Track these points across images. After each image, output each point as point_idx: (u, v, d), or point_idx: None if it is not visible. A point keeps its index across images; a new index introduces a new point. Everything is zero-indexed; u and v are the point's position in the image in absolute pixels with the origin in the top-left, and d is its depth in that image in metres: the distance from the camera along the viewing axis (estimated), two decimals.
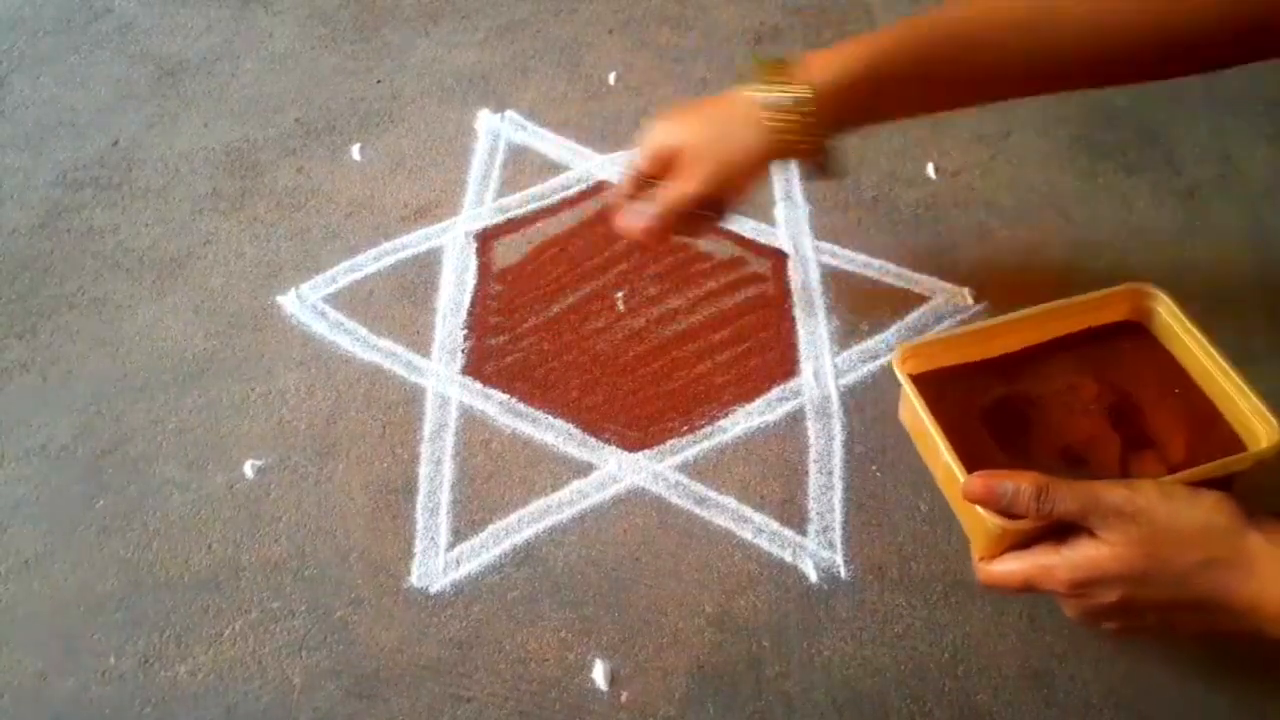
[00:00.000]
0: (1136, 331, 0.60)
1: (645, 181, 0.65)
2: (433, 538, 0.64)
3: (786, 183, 0.86)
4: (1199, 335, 0.56)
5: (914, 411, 0.55)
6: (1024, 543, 0.49)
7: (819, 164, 0.61)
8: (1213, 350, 0.55)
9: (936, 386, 0.56)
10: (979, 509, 0.49)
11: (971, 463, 0.50)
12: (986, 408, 0.56)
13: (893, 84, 0.57)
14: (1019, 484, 0.47)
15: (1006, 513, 0.48)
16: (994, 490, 0.47)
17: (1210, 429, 0.54)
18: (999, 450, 0.54)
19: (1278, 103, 0.90)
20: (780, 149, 0.60)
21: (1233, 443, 0.54)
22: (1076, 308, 0.59)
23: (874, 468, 0.67)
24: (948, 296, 0.76)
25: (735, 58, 0.99)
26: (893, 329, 0.75)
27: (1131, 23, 0.54)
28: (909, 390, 0.55)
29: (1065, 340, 0.59)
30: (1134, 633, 0.51)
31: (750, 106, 0.59)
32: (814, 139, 0.59)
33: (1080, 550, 0.47)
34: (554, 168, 0.88)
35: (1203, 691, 0.56)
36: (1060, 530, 0.48)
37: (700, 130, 0.62)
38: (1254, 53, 0.55)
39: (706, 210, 0.64)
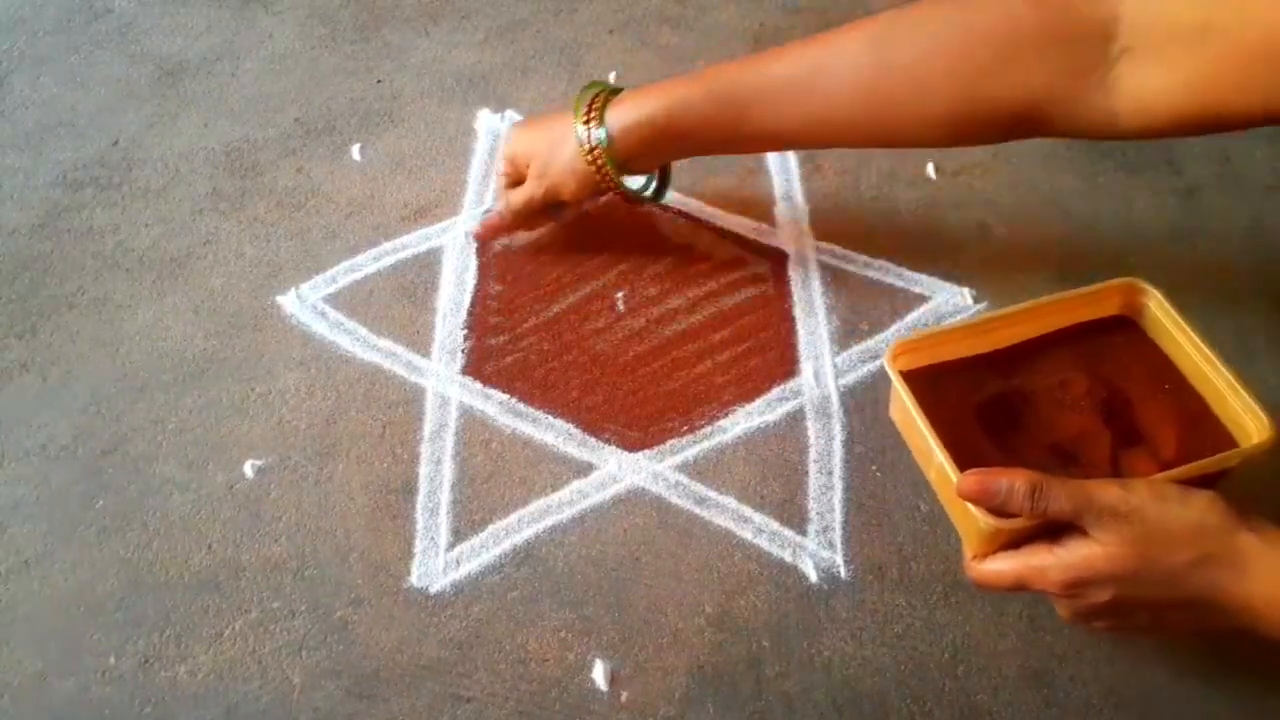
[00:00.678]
0: (1128, 327, 0.60)
1: (505, 181, 0.75)
2: (433, 538, 0.64)
3: (786, 183, 0.86)
4: (1190, 331, 0.56)
5: (904, 409, 0.54)
6: (1016, 542, 0.49)
7: (620, 194, 0.71)
8: (1204, 346, 0.55)
9: (928, 383, 0.56)
10: (972, 507, 0.49)
11: (963, 459, 0.50)
12: (978, 404, 0.56)
13: (684, 130, 0.64)
14: (1013, 482, 0.47)
15: (1000, 511, 0.48)
16: (988, 488, 0.47)
17: (1201, 425, 0.55)
18: (990, 446, 0.54)
19: None
20: (589, 176, 0.68)
21: (1223, 439, 0.54)
22: (1068, 302, 0.59)
23: (874, 468, 0.67)
24: (948, 296, 0.76)
25: (735, 58, 0.98)
26: (893, 329, 0.75)
27: (893, 97, 0.59)
28: (899, 387, 0.55)
29: (1057, 335, 0.60)
30: (1125, 632, 0.51)
31: (570, 128, 0.67)
32: (611, 177, 0.68)
33: (1073, 550, 0.47)
34: None
35: (1202, 691, 0.56)
36: (1053, 529, 0.48)
37: (538, 145, 0.70)
38: (1008, 133, 0.59)
39: (547, 209, 0.74)
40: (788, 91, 0.61)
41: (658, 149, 0.67)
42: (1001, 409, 0.56)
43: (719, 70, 0.64)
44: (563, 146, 0.68)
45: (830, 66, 0.60)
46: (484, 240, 0.80)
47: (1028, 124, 0.57)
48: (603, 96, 0.67)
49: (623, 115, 0.65)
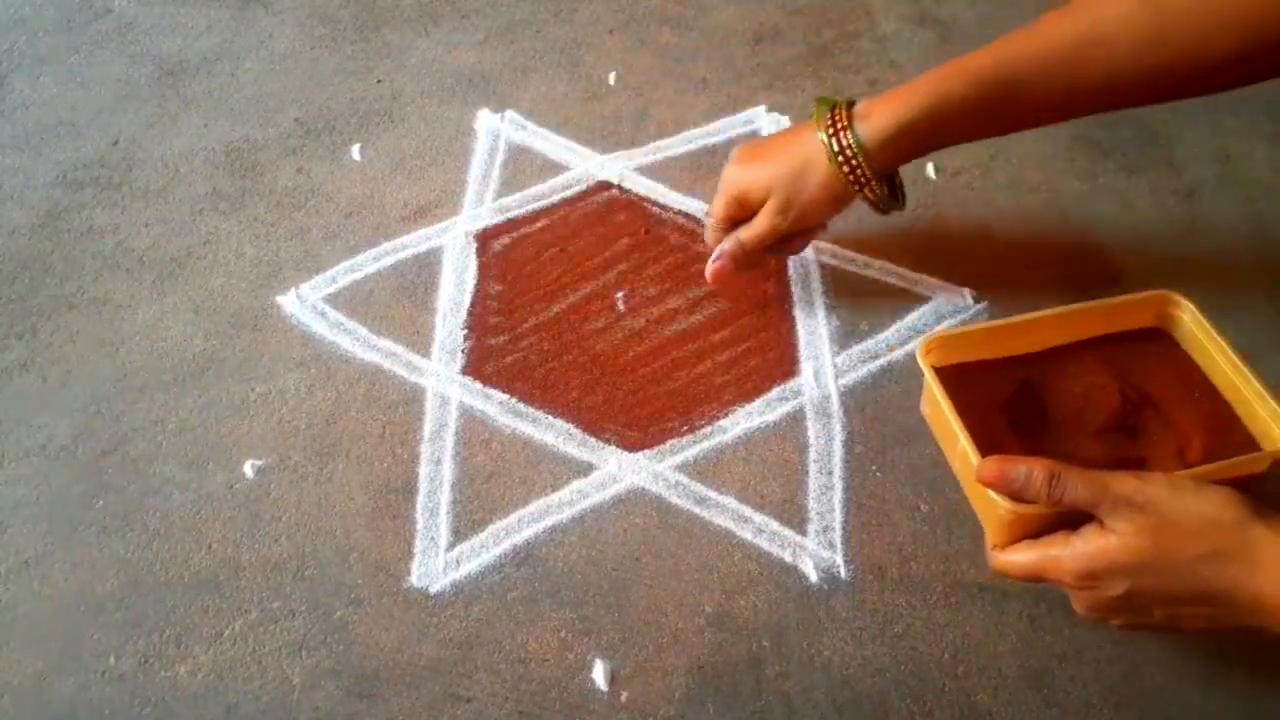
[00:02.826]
0: (1160, 336, 0.60)
1: (726, 224, 0.69)
2: (433, 538, 0.64)
3: None
4: (1222, 343, 0.56)
5: (934, 401, 0.55)
6: (1036, 531, 0.50)
7: (876, 202, 0.66)
8: (1235, 358, 0.55)
9: (958, 379, 0.56)
10: (992, 494, 0.49)
11: (988, 452, 0.51)
12: (1006, 402, 0.57)
13: (949, 124, 0.61)
14: (1031, 469, 0.47)
15: (1018, 497, 0.48)
16: (1006, 474, 0.48)
17: (1229, 432, 0.55)
18: (1016, 442, 0.54)
19: (1278, 103, 0.90)
20: (845, 191, 0.64)
21: (1251, 447, 0.54)
22: (1100, 311, 0.59)
23: (874, 468, 0.67)
24: (948, 296, 0.76)
25: (735, 58, 0.99)
26: (893, 329, 0.75)
27: (1176, 50, 0.56)
28: (931, 380, 0.55)
29: (1087, 342, 0.60)
30: (1140, 628, 0.51)
31: (817, 148, 0.63)
32: (869, 183, 0.63)
33: (1088, 540, 0.47)
34: (554, 168, 0.88)
35: (1202, 692, 0.56)
36: (1072, 522, 0.48)
37: (772, 171, 0.65)
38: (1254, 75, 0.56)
39: (780, 246, 0.70)
40: (1063, 66, 0.58)
41: (915, 149, 0.64)
42: (1029, 408, 0.57)
43: (975, 61, 0.60)
44: (811, 171, 0.64)
45: (1103, 33, 0.57)
46: (722, 286, 0.75)
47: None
48: (842, 108, 0.63)
49: (876, 123, 0.62)
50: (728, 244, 0.69)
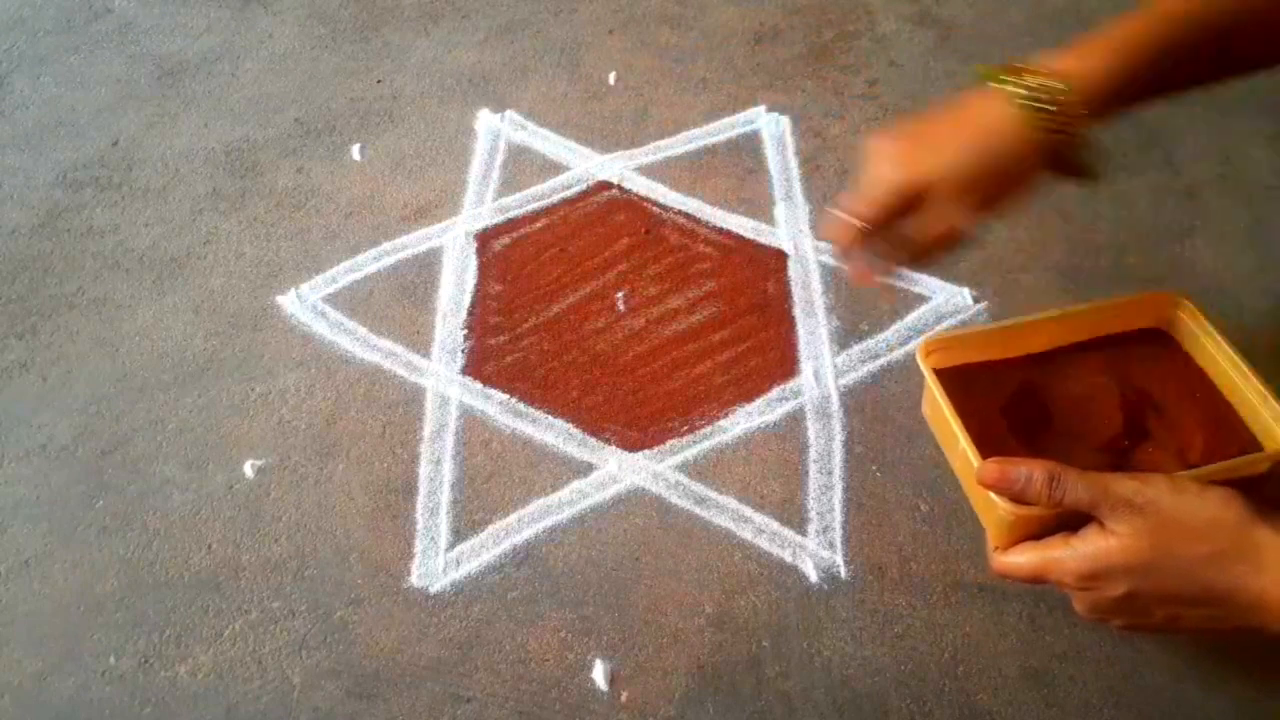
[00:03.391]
0: (1160, 337, 0.60)
1: (883, 224, 0.54)
2: (433, 538, 0.64)
3: (786, 183, 0.86)
4: (1223, 343, 0.56)
5: (935, 403, 0.55)
6: (1037, 533, 0.50)
7: (1083, 163, 0.53)
8: (1236, 358, 0.55)
9: (959, 381, 0.56)
10: (993, 496, 0.49)
11: (989, 454, 0.50)
12: (1007, 403, 0.57)
13: (1143, 71, 0.51)
14: (1032, 471, 0.47)
15: (1019, 499, 0.48)
16: (1007, 475, 0.48)
17: (1230, 432, 0.55)
18: (1017, 443, 0.54)
19: (1278, 103, 0.90)
20: (1051, 149, 0.52)
21: (1252, 447, 0.54)
22: (1101, 312, 0.59)
23: (874, 468, 0.67)
24: (948, 296, 0.76)
25: (735, 58, 0.99)
26: (893, 329, 0.75)
27: None
28: (931, 382, 0.55)
29: (1088, 343, 0.60)
30: (1141, 629, 0.51)
31: (1001, 111, 0.51)
32: (1079, 133, 0.52)
33: (1088, 541, 0.47)
34: (554, 168, 0.88)
35: (1202, 692, 0.56)
36: (1072, 524, 0.48)
37: (951, 153, 0.52)
38: None
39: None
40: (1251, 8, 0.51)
41: (1120, 100, 0.52)
42: (1029, 409, 0.57)
43: (1150, 11, 0.52)
44: (1002, 140, 0.51)
45: None
46: (863, 281, 0.58)
47: None
48: (1016, 68, 0.52)
49: (1080, 70, 0.51)
50: (899, 253, 0.55)
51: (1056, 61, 0.52)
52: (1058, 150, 0.52)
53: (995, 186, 0.52)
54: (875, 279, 0.57)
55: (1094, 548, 0.47)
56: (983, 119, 0.52)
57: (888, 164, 0.54)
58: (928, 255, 0.55)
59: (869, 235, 0.55)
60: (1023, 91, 0.51)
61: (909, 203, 0.53)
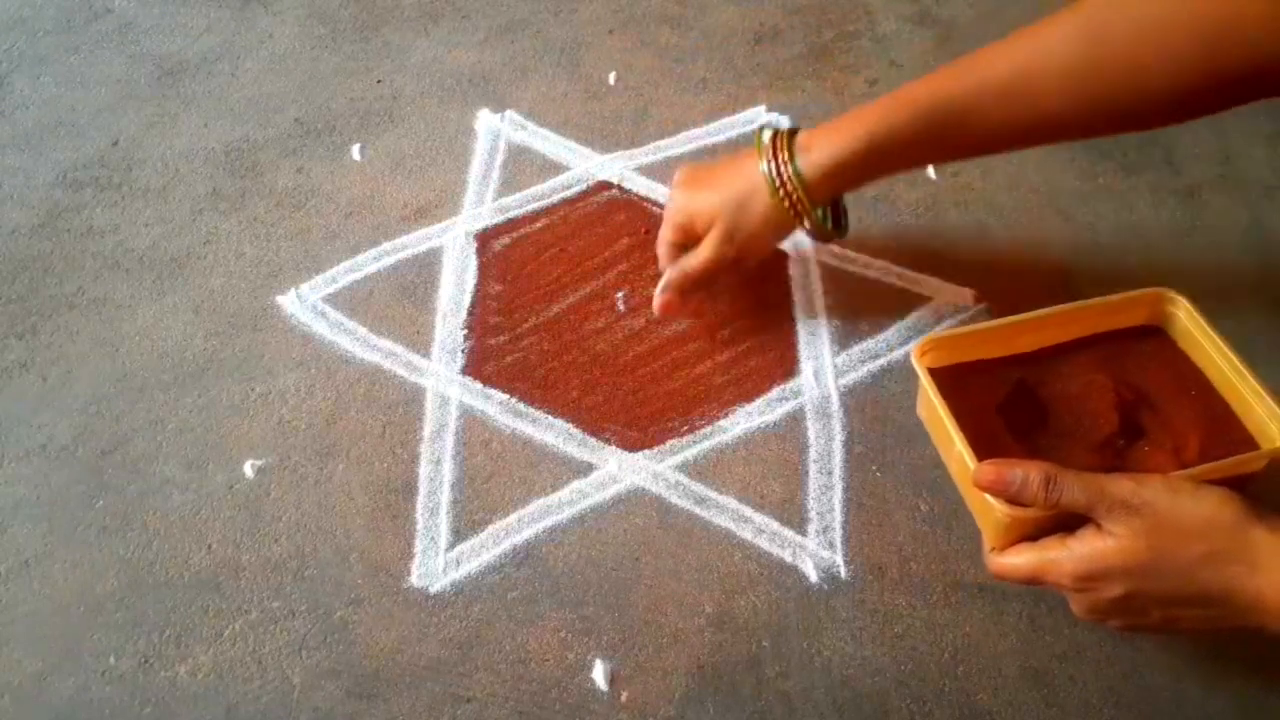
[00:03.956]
0: (1155, 334, 0.60)
1: (675, 250, 0.69)
2: (433, 538, 0.64)
3: None
4: (1218, 340, 0.56)
5: (930, 404, 0.55)
6: (1034, 535, 0.50)
7: (816, 232, 0.67)
8: (1231, 355, 0.55)
9: (954, 381, 0.56)
10: (989, 498, 0.49)
11: (985, 454, 0.50)
12: (1003, 403, 0.57)
13: (888, 156, 0.62)
14: (1028, 472, 0.47)
15: (1015, 501, 0.48)
16: (1003, 477, 0.48)
17: (1225, 430, 0.55)
18: (1013, 444, 0.54)
19: (1278, 103, 0.90)
20: (785, 220, 0.65)
21: (1248, 445, 0.54)
22: (1096, 310, 0.59)
23: (874, 468, 0.67)
24: (948, 296, 0.76)
25: (735, 58, 0.99)
26: (893, 329, 0.75)
27: (1112, 84, 0.56)
28: (926, 383, 0.55)
29: (1083, 341, 0.60)
30: (1138, 630, 0.51)
31: (760, 178, 0.64)
32: (809, 214, 0.64)
33: (1085, 542, 0.47)
34: (554, 168, 0.88)
35: (1202, 692, 0.56)
36: (1069, 525, 0.48)
37: (716, 201, 0.66)
38: (1234, 100, 0.56)
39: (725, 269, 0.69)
40: (999, 98, 0.58)
41: (855, 179, 0.64)
42: (1025, 408, 0.57)
43: (912, 92, 0.61)
44: (753, 201, 0.64)
45: (1041, 67, 0.57)
46: (668, 313, 0.73)
47: (1255, 89, 0.54)
48: (784, 136, 0.64)
49: (816, 155, 0.62)
50: (673, 274, 0.69)
51: (805, 140, 0.63)
52: (794, 223, 0.66)
53: (744, 231, 0.66)
54: (669, 306, 0.70)
55: (1091, 549, 0.47)
56: (747, 178, 0.65)
57: (675, 194, 0.69)
58: (700, 284, 0.69)
59: (671, 254, 0.70)
60: (767, 169, 0.64)
61: (686, 232, 0.68)
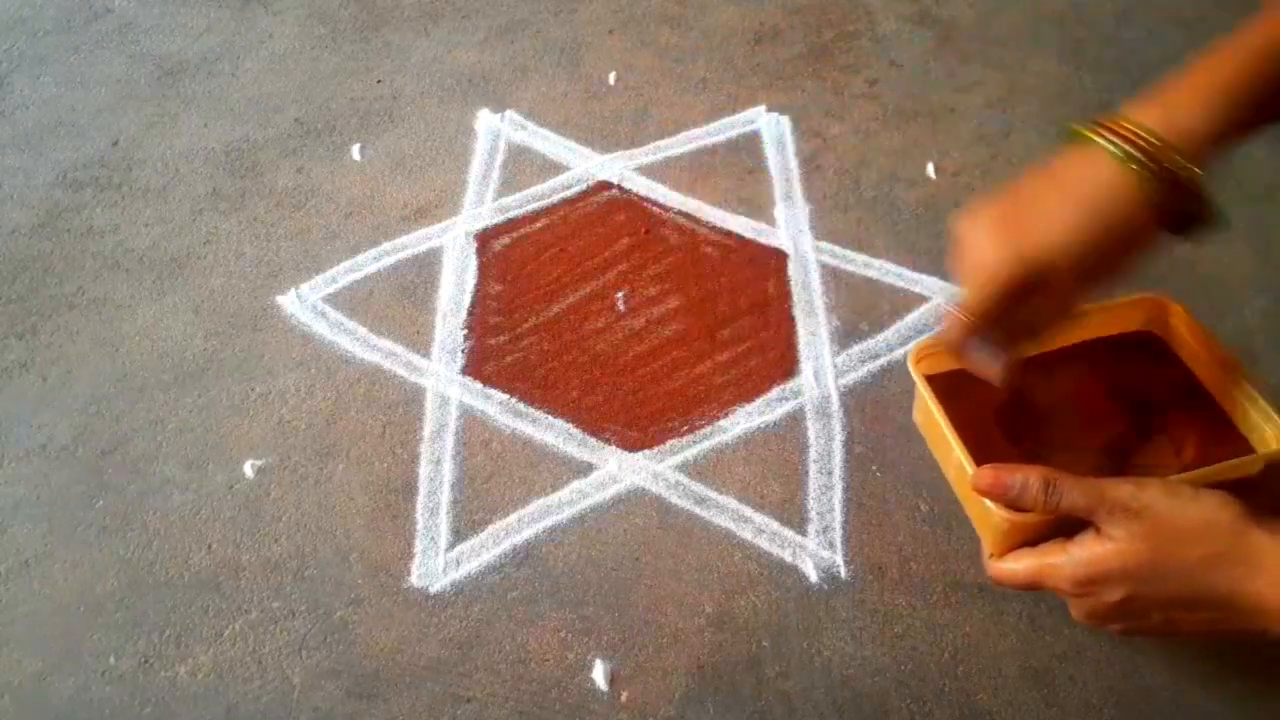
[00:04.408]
0: (1151, 340, 0.60)
1: (989, 320, 0.50)
2: (433, 538, 0.64)
3: (786, 183, 0.86)
4: (1212, 344, 0.56)
5: (927, 410, 0.55)
6: (1033, 540, 0.50)
7: (1198, 215, 0.49)
8: (1226, 359, 0.55)
9: (950, 386, 0.56)
10: (988, 503, 0.49)
11: (984, 461, 0.50)
12: (999, 408, 0.57)
13: (1237, 112, 0.48)
14: (1027, 477, 0.47)
15: (1014, 506, 0.48)
16: (1002, 482, 0.47)
17: (1222, 434, 0.55)
18: (1011, 450, 0.54)
19: None
20: (1164, 205, 0.48)
21: (1244, 448, 0.54)
22: (1092, 315, 0.59)
23: (874, 468, 0.67)
24: (948, 296, 0.76)
25: (735, 58, 0.99)
26: (893, 329, 0.75)
27: None
28: (922, 389, 0.55)
29: (1079, 346, 0.60)
30: (1138, 634, 0.51)
31: (1104, 171, 0.48)
32: (1190, 185, 0.48)
33: (1085, 547, 0.47)
34: (554, 168, 0.88)
35: (1202, 692, 0.56)
36: (1068, 530, 0.48)
37: (1064, 226, 0.48)
38: None
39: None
40: None
41: (1221, 148, 0.48)
42: (1021, 414, 0.57)
43: (1233, 44, 0.49)
44: (1102, 200, 0.47)
45: None
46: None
47: None
48: (1105, 124, 0.49)
49: (1180, 123, 0.48)
50: (1012, 353, 0.52)
51: (1148, 112, 0.48)
52: (1171, 205, 0.48)
53: (1114, 256, 0.48)
54: (996, 370, 0.52)
55: (1090, 553, 0.47)
56: (1086, 183, 0.48)
57: (993, 249, 0.49)
58: (1045, 333, 0.52)
59: (982, 327, 0.51)
60: (1124, 147, 0.47)
61: (1022, 289, 0.49)
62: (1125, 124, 0.48)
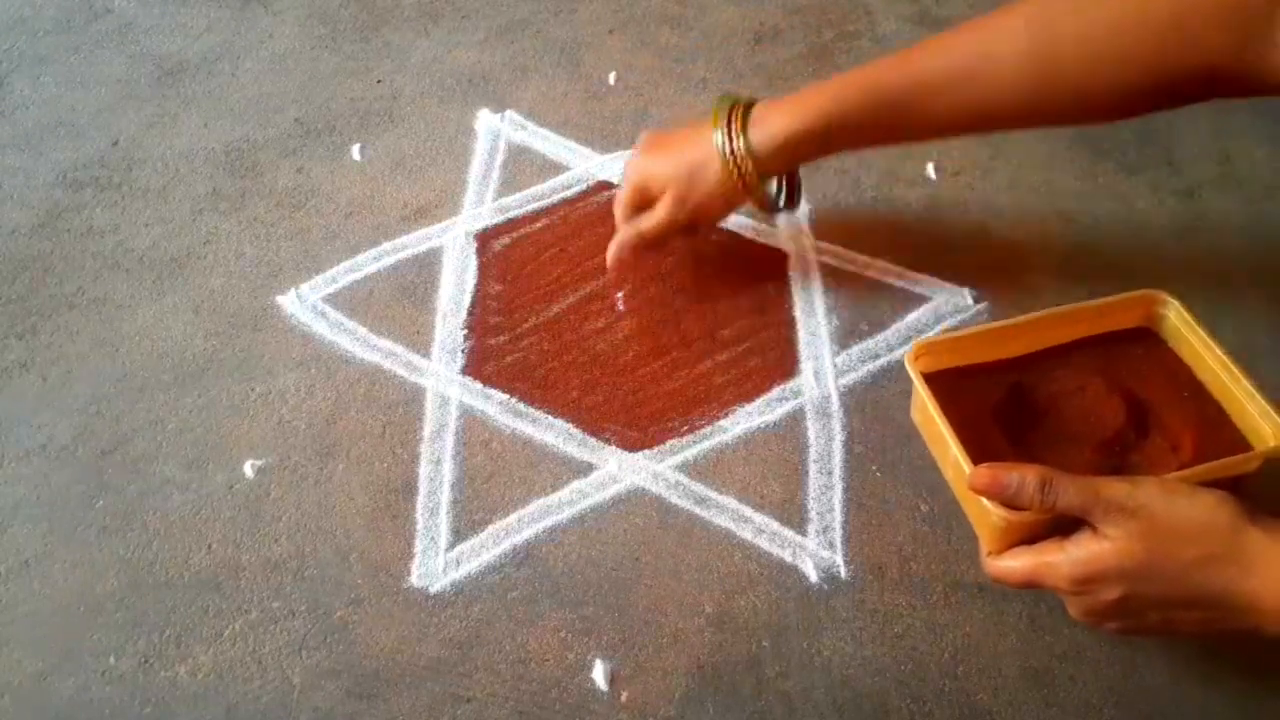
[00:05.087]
0: (1147, 336, 0.60)
1: (631, 210, 0.71)
2: (433, 538, 0.64)
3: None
4: (1210, 341, 0.56)
5: (925, 409, 0.55)
6: (1030, 538, 0.50)
7: (764, 201, 0.69)
8: (1223, 355, 0.55)
9: (948, 385, 0.56)
10: (985, 501, 0.49)
11: (981, 460, 0.50)
12: (996, 407, 0.57)
13: (841, 135, 0.63)
14: (1024, 476, 0.47)
15: (1011, 504, 0.48)
16: (999, 481, 0.48)
17: (1219, 431, 0.55)
18: (1007, 448, 0.54)
19: (1278, 103, 0.90)
20: (735, 191, 0.67)
21: (1241, 445, 0.54)
22: (1088, 312, 0.59)
23: (874, 468, 0.67)
24: (948, 296, 0.76)
25: (735, 58, 0.99)
26: (893, 329, 0.75)
27: (1059, 82, 0.57)
28: (920, 387, 0.55)
29: (1076, 344, 0.60)
30: (1135, 633, 0.51)
31: (711, 148, 0.66)
32: (755, 189, 0.66)
33: (1081, 546, 0.47)
34: (554, 168, 0.88)
35: (1201, 692, 0.56)
36: (1066, 528, 0.48)
37: (671, 167, 0.68)
38: (1183, 99, 0.57)
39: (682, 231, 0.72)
40: (949, 85, 0.60)
41: (803, 155, 0.66)
42: (1019, 412, 0.57)
43: (869, 73, 0.62)
44: (706, 169, 0.66)
45: (992, 54, 0.58)
46: (619, 271, 0.78)
47: (1203, 89, 0.55)
48: (740, 109, 0.66)
49: (770, 127, 0.64)
50: (627, 232, 0.71)
51: (763, 114, 0.65)
52: (742, 197, 0.67)
53: (697, 202, 0.68)
54: (621, 262, 0.74)
55: (1087, 552, 0.47)
56: (701, 147, 0.66)
57: (634, 158, 0.71)
58: (652, 244, 0.72)
59: (628, 214, 0.72)
60: (720, 141, 0.65)
61: (642, 195, 0.70)
62: (736, 123, 0.65)
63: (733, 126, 0.65)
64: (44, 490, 0.67)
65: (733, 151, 0.65)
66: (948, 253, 0.79)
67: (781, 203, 0.71)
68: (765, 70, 0.97)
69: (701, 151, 0.66)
